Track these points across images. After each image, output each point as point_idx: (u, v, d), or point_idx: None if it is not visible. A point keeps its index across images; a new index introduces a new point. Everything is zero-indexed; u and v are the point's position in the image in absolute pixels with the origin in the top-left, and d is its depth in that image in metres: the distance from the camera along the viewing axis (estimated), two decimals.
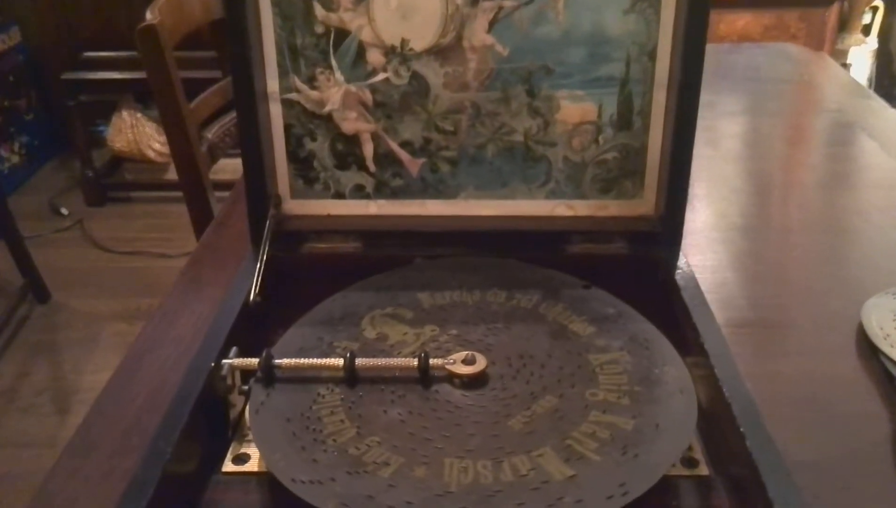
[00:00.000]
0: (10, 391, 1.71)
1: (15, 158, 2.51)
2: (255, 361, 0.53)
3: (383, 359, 0.54)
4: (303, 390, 0.53)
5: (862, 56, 2.34)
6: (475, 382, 0.53)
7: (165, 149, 2.18)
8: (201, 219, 1.20)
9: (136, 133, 2.30)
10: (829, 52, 2.05)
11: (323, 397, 0.52)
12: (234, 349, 0.55)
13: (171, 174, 2.12)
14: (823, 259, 0.83)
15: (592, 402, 0.51)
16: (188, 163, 1.18)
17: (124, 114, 2.30)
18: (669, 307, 0.62)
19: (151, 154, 2.29)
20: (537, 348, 0.56)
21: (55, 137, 2.64)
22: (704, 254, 0.81)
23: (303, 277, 0.66)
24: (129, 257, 2.17)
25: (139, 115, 2.30)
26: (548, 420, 0.50)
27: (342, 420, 0.50)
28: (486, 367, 0.54)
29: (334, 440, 0.49)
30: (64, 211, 2.38)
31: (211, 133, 1.25)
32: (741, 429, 0.47)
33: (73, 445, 0.57)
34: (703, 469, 0.50)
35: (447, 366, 0.53)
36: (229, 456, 0.52)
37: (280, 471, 0.46)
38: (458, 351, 0.55)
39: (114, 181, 2.45)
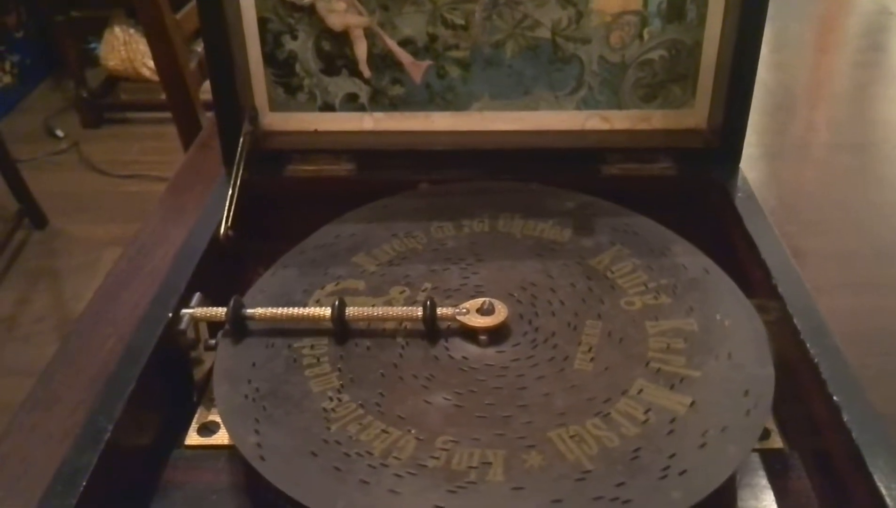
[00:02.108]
0: (10, 319, 1.68)
1: (7, 79, 2.44)
2: (221, 310, 0.44)
3: (380, 308, 0.45)
4: (281, 346, 0.44)
5: None
6: (494, 335, 0.44)
7: None
8: (192, 141, 1.13)
9: (130, 50, 2.23)
10: None
11: (306, 355, 0.43)
12: (197, 296, 0.46)
13: None
14: (862, 180, 0.74)
15: (636, 312, 0.45)
16: (175, 80, 1.11)
17: (116, 30, 2.23)
18: (725, 241, 0.52)
19: (147, 73, 2.22)
20: (559, 283, 0.48)
21: (48, 56, 2.56)
22: None
23: (285, 206, 0.58)
24: (128, 181, 2.12)
25: (132, 31, 2.22)
26: (611, 349, 0.43)
27: (330, 383, 0.41)
28: (507, 317, 0.43)
29: (327, 418, 0.39)
30: (59, 133, 2.32)
31: (201, 47, 1.16)
32: (834, 398, 0.37)
33: (32, 397, 0.51)
34: (777, 441, 0.41)
35: (458, 317, 0.43)
36: (194, 426, 0.44)
37: (249, 450, 0.38)
38: (470, 297, 0.45)
39: (109, 102, 2.38)
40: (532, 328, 0.44)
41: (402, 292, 0.47)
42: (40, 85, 2.56)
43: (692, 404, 0.39)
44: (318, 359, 0.43)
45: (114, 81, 2.36)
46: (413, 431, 0.38)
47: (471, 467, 0.36)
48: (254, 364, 0.43)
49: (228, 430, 0.39)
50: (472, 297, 0.45)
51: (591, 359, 0.42)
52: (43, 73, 2.57)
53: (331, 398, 0.40)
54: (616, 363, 0.42)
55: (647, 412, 0.39)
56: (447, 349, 0.43)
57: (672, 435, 0.37)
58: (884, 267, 0.65)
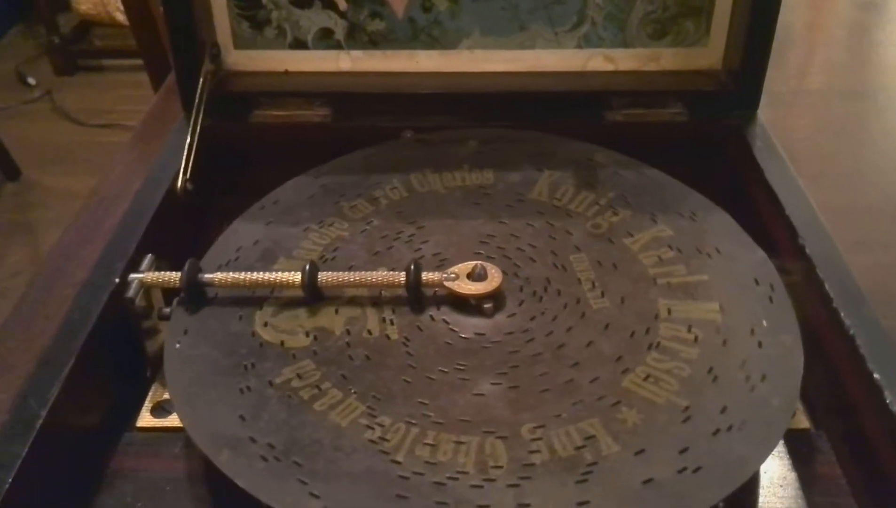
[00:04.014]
0: None
1: None
2: (175, 275, 0.39)
3: (357, 273, 0.39)
4: (244, 316, 0.39)
5: None
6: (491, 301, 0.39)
7: None
8: None
9: None
10: None
11: (301, 387, 0.36)
12: (148, 258, 0.41)
13: None
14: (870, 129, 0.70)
15: (607, 233, 0.43)
16: (145, 22, 1.10)
17: None
18: (744, 196, 0.47)
19: (121, 17, 2.15)
20: (516, 226, 0.44)
21: (18, 1, 2.48)
22: None
23: (252, 156, 0.53)
24: (104, 131, 2.05)
25: None
26: (613, 277, 0.40)
27: (355, 410, 0.35)
28: (502, 283, 0.39)
29: (383, 450, 0.33)
30: (31, 81, 2.26)
31: None
32: (875, 375, 0.33)
33: None
34: (803, 421, 0.37)
35: (447, 283, 0.38)
36: (147, 406, 0.39)
37: (204, 438, 0.33)
38: (437, 268, 0.40)
39: (83, 48, 2.31)
40: (524, 281, 0.40)
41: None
42: (10, 31, 2.48)
43: (721, 307, 0.38)
44: (319, 388, 0.35)
45: (87, 26, 2.29)
46: (490, 431, 0.33)
47: (578, 448, 0.32)
48: (211, 338, 0.38)
49: (180, 414, 0.34)
50: (439, 267, 0.40)
51: (602, 294, 0.40)
52: (14, 18, 2.48)
53: (370, 427, 0.34)
54: (627, 290, 0.40)
55: (690, 329, 0.37)
56: (455, 329, 0.38)
57: (728, 345, 0.36)
58: None
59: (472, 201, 0.46)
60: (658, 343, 0.37)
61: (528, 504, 0.30)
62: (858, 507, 0.34)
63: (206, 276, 0.39)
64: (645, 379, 0.35)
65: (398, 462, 0.32)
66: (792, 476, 0.35)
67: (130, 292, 0.39)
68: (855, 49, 0.89)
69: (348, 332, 0.38)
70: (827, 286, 0.37)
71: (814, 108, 0.78)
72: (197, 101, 0.48)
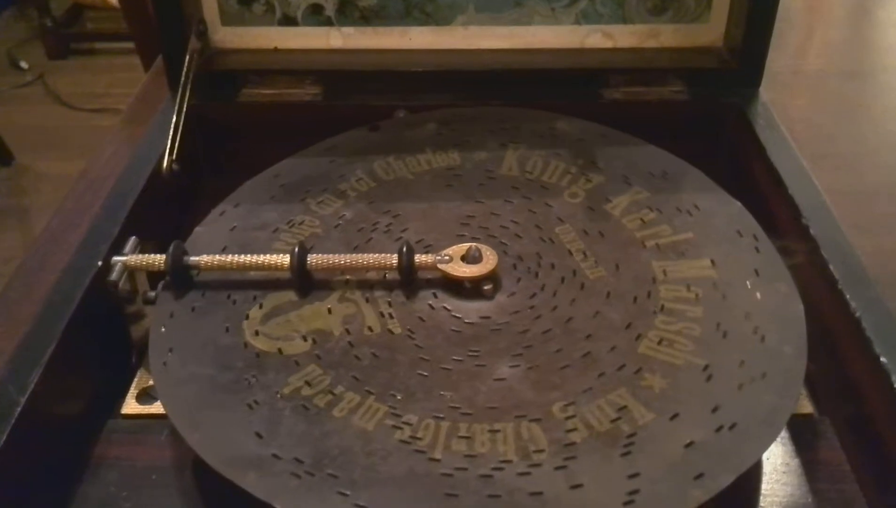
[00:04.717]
0: None
1: None
2: (159, 258, 0.38)
3: (347, 255, 0.38)
4: (231, 327, 0.36)
5: None
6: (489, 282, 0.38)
7: None
8: None
9: None
10: None
11: (315, 395, 0.35)
12: (131, 241, 0.39)
13: None
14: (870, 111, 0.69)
15: (585, 201, 0.42)
16: (134, 3, 1.03)
17: None
18: (746, 176, 0.46)
19: (113, 0, 2.09)
20: (494, 205, 0.43)
21: None
22: None
23: (240, 135, 0.52)
24: (97, 115, 2.03)
25: None
26: (602, 245, 0.40)
27: (379, 411, 0.33)
28: (497, 266, 0.38)
29: (419, 449, 0.32)
30: (24, 65, 2.24)
31: None
32: (882, 359, 0.32)
33: None
34: (806, 406, 0.36)
35: (440, 265, 0.37)
36: (132, 392, 0.38)
37: (222, 463, 0.31)
38: (442, 245, 0.39)
39: (76, 31, 2.29)
40: (515, 259, 0.40)
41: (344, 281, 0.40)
42: (2, 14, 2.46)
43: (713, 263, 0.38)
44: (333, 393, 0.34)
45: (80, 8, 2.27)
46: (521, 415, 0.32)
47: (614, 420, 0.32)
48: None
49: (166, 406, 0.33)
50: (426, 253, 0.39)
51: (596, 262, 0.39)
52: (5, 1, 2.46)
53: (398, 427, 0.32)
54: (619, 256, 0.40)
55: (689, 288, 0.37)
56: (458, 315, 0.37)
57: (728, 299, 0.37)
58: None
59: (443, 183, 0.44)
60: (662, 306, 0.37)
61: (581, 485, 0.30)
62: (863, 494, 0.33)
63: (192, 258, 0.38)
64: (659, 343, 0.35)
65: (437, 460, 0.31)
66: (795, 462, 0.34)
67: (113, 276, 0.37)
68: (855, 29, 0.88)
69: (348, 331, 0.36)
70: (832, 268, 0.36)
71: (813, 89, 0.77)
72: (183, 79, 0.47)
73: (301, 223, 0.42)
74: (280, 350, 0.35)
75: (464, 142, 0.47)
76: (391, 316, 0.37)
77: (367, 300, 0.37)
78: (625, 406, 0.32)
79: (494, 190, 0.44)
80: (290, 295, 0.38)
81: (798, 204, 0.40)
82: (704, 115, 0.50)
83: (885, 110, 0.76)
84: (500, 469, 0.30)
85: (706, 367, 0.34)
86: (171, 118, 0.46)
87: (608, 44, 0.52)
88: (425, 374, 0.34)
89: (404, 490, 0.30)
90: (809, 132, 0.71)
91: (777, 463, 0.34)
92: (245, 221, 0.42)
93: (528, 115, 0.48)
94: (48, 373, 0.33)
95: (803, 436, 0.35)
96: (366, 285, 0.38)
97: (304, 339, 0.36)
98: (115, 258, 0.38)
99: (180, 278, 0.38)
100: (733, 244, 0.39)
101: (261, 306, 0.37)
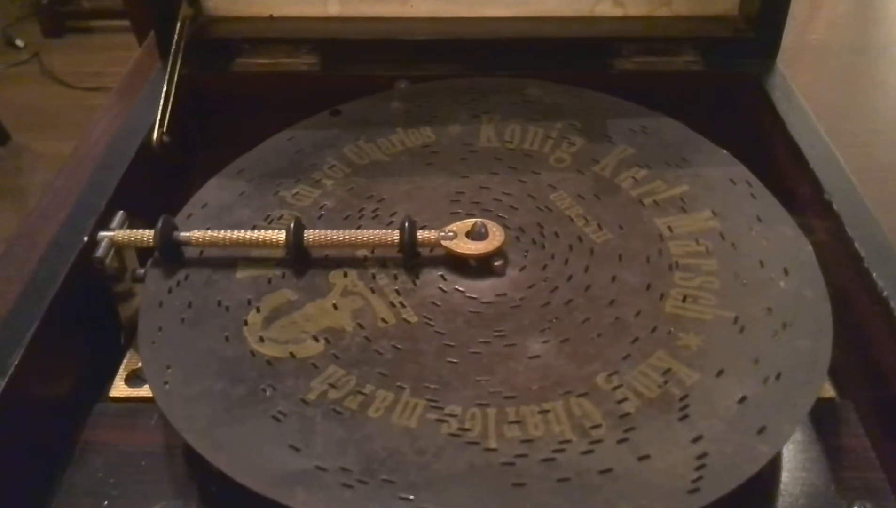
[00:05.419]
0: None
1: None
2: (148, 233, 0.36)
3: (345, 231, 0.36)
4: (231, 336, 0.34)
5: None
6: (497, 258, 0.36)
7: None
8: None
9: None
10: None
11: (343, 398, 0.33)
12: (119, 215, 0.38)
13: None
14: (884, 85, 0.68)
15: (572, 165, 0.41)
16: None
17: None
18: (763, 150, 0.45)
19: None
20: (480, 179, 0.41)
21: None
22: None
23: (234, 107, 0.51)
24: (94, 94, 2.01)
25: None
26: (602, 209, 0.39)
27: (419, 406, 0.31)
28: (504, 243, 0.36)
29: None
30: (19, 43, 2.24)
31: None
32: None
33: None
34: (828, 390, 0.35)
35: (444, 242, 0.35)
36: (121, 374, 0.36)
37: (262, 483, 0.28)
38: (436, 224, 0.37)
39: (72, 9, 2.27)
40: (517, 231, 0.38)
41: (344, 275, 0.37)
42: None
43: (714, 214, 0.38)
44: (363, 392, 0.31)
45: None
46: (567, 391, 0.31)
47: (662, 385, 0.31)
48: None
49: (154, 391, 0.32)
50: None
51: (599, 226, 0.38)
52: None
53: (442, 421, 0.30)
54: (621, 218, 0.39)
55: (698, 242, 0.37)
56: (473, 296, 0.35)
57: (738, 249, 0.36)
58: None
59: (422, 161, 0.43)
60: (677, 263, 0.36)
61: (648, 455, 0.29)
62: (889, 482, 0.31)
63: (183, 234, 0.36)
64: (683, 301, 0.34)
65: (493, 450, 0.29)
66: (817, 448, 0.32)
67: (100, 252, 0.36)
68: (861, 2, 0.86)
69: (360, 326, 0.34)
70: (857, 245, 0.35)
71: (820, 63, 0.75)
72: (174, 48, 0.45)
73: (280, 218, 0.39)
74: (292, 354, 0.33)
75: (433, 117, 0.45)
76: (402, 305, 0.35)
77: (374, 291, 0.35)
78: (669, 369, 0.32)
79: (477, 163, 0.42)
80: (288, 294, 0.35)
81: (820, 179, 0.39)
82: (719, 86, 0.49)
83: None
84: (562, 450, 0.29)
85: (736, 319, 0.33)
86: (162, 89, 0.44)
87: (619, 12, 0.51)
88: (455, 361, 0.32)
89: (468, 485, 0.28)
90: (818, 109, 0.68)
91: (797, 450, 0.32)
92: (217, 222, 0.39)
93: (492, 83, 0.47)
94: (30, 354, 0.32)
95: (825, 421, 0.33)
96: (366, 276, 0.36)
97: (316, 339, 0.34)
98: (102, 234, 0.36)
99: (169, 254, 0.36)
100: (729, 193, 0.39)
101: (258, 310, 0.35)
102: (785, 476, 0.32)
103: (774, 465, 0.32)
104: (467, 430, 0.30)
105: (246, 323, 0.34)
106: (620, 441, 0.29)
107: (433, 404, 0.31)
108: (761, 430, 0.29)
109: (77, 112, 1.99)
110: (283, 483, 0.28)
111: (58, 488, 0.32)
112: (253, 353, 0.33)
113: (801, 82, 0.72)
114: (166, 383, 0.32)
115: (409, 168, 0.42)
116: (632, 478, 0.28)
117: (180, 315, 0.34)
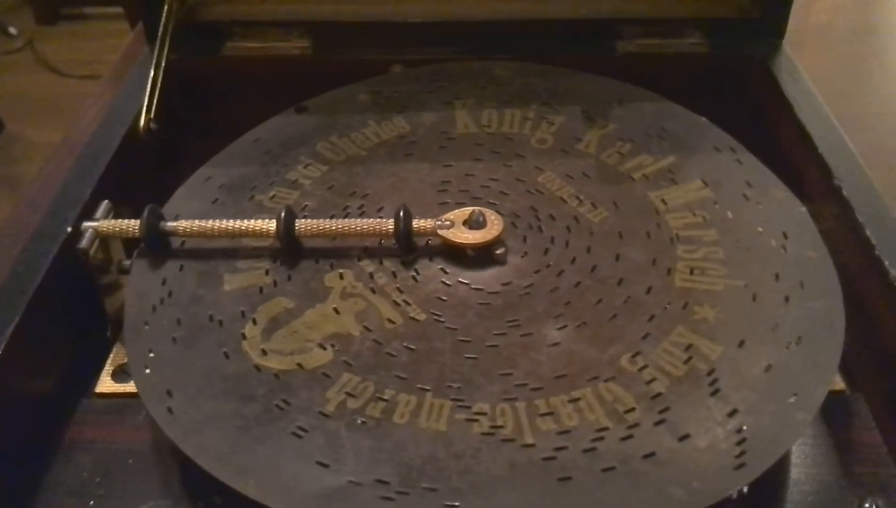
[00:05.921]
0: None
1: None
2: (133, 223, 0.35)
3: (338, 221, 0.35)
4: (230, 352, 0.32)
5: None
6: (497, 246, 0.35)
7: None
8: None
9: None
10: None
11: (365, 407, 0.31)
12: (104, 205, 0.36)
13: None
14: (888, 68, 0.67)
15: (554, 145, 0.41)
16: None
17: None
18: (770, 134, 0.43)
19: None
20: (465, 166, 0.41)
21: None
22: None
23: (225, 92, 0.49)
24: (88, 82, 2.04)
25: None
26: (593, 187, 0.39)
27: (445, 407, 0.30)
28: (503, 231, 0.35)
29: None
30: (12, 30, 2.24)
31: None
32: None
33: None
34: (838, 382, 0.34)
35: (440, 231, 0.34)
36: (107, 369, 0.35)
37: (296, 504, 0.27)
38: (427, 216, 0.36)
39: None
40: (512, 217, 0.37)
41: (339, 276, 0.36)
42: None
43: (705, 183, 0.38)
44: (383, 398, 0.30)
45: None
46: (594, 377, 0.30)
47: (687, 361, 0.31)
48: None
49: (139, 386, 0.30)
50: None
51: (593, 205, 0.38)
52: None
53: (473, 420, 0.29)
54: (614, 194, 0.38)
55: (695, 213, 0.37)
56: (479, 287, 0.34)
57: (736, 216, 0.36)
58: None
59: (402, 153, 0.41)
60: (677, 236, 0.36)
61: (688, 435, 0.28)
62: None
63: (169, 224, 0.35)
64: (691, 273, 0.34)
65: (532, 445, 0.28)
66: (827, 443, 0.31)
67: (84, 243, 0.34)
68: None
69: (367, 329, 0.32)
70: (868, 232, 0.34)
71: (822, 45, 0.74)
72: (161, 30, 0.44)
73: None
74: (300, 365, 0.31)
75: (404, 107, 0.44)
76: (407, 303, 0.33)
77: (374, 291, 0.34)
78: (690, 344, 0.31)
79: (458, 151, 0.41)
80: (284, 302, 0.34)
81: (829, 163, 0.38)
82: (725, 68, 0.47)
83: None
84: (600, 438, 0.28)
85: (746, 286, 0.33)
86: (150, 74, 0.43)
87: None
88: (474, 356, 0.31)
89: (514, 485, 0.27)
90: (822, 92, 0.67)
91: (807, 444, 0.31)
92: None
93: (456, 68, 0.46)
94: (11, 348, 0.31)
95: (835, 415, 0.32)
96: (364, 276, 0.35)
97: (323, 347, 0.32)
98: (86, 224, 0.35)
99: (156, 245, 0.35)
100: (715, 161, 0.39)
101: (255, 322, 0.33)
102: (795, 471, 0.31)
103: (784, 460, 0.31)
104: (500, 427, 0.29)
105: (244, 337, 0.32)
106: (657, 423, 0.28)
107: (459, 403, 0.30)
108: (793, 396, 0.29)
109: (71, 100, 1.97)
110: (317, 503, 0.27)
111: (42, 488, 0.31)
112: (258, 368, 0.31)
113: (804, 65, 0.70)
114: (170, 409, 0.30)
115: (389, 161, 0.40)
116: (676, 461, 0.27)
117: (171, 335, 0.32)
